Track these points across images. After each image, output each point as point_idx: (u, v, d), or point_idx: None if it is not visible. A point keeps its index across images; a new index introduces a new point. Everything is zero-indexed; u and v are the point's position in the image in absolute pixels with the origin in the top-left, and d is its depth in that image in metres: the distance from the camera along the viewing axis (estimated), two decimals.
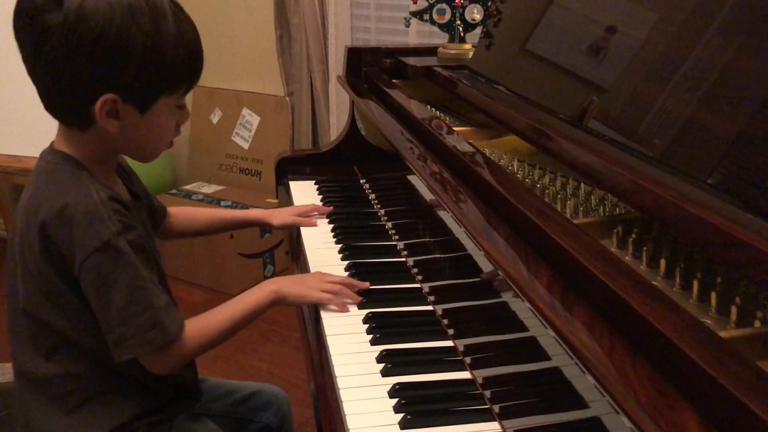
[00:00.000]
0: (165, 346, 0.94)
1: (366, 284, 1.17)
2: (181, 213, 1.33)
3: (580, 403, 0.70)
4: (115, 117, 0.92)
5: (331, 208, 1.52)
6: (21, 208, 0.96)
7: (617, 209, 0.99)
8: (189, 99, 3.74)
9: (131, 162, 1.12)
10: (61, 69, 0.88)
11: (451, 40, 1.73)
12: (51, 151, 0.98)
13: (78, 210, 0.90)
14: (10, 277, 1.00)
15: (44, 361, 0.98)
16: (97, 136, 0.95)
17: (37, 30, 0.87)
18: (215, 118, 3.22)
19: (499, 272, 0.84)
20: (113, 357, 0.93)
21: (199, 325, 1.00)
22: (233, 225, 1.44)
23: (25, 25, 0.89)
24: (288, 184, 1.73)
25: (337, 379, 0.96)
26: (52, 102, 0.93)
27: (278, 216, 1.45)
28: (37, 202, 0.93)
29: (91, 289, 0.91)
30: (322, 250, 1.36)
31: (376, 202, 1.57)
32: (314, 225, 1.45)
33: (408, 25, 1.83)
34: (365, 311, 1.12)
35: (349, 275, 1.24)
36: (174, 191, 3.10)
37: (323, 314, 1.12)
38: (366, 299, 1.15)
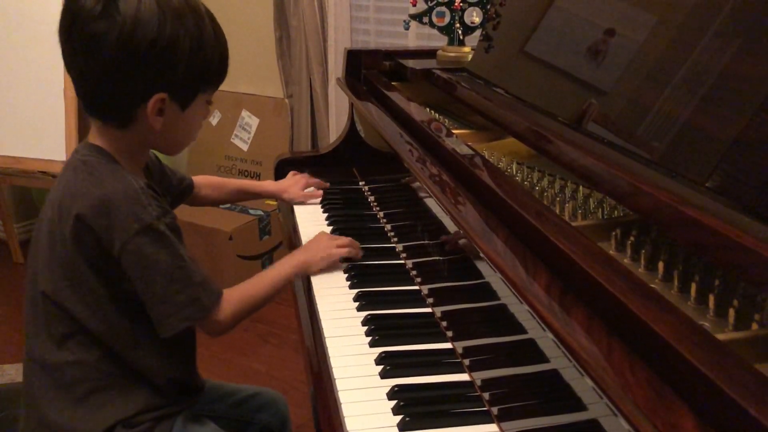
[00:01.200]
0: (206, 318, 1.02)
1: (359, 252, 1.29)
2: (207, 182, 1.44)
3: (579, 406, 0.70)
4: (161, 114, 0.97)
5: (327, 184, 1.63)
6: (54, 197, 1.00)
7: (616, 212, 0.99)
8: None
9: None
10: (115, 72, 0.93)
11: (451, 42, 1.73)
12: (86, 146, 1.02)
13: (118, 197, 0.94)
14: (31, 263, 1.04)
15: (56, 348, 1.00)
16: (135, 132, 0.99)
17: (90, 36, 0.91)
18: (214, 120, 3.23)
19: (498, 274, 0.85)
20: (159, 333, 0.99)
21: (239, 293, 1.10)
22: (253, 195, 1.58)
23: (75, 31, 0.93)
24: None
25: (336, 381, 0.96)
26: (97, 102, 0.98)
27: (288, 192, 1.59)
28: (75, 192, 0.97)
29: (134, 271, 0.96)
30: None
31: (375, 204, 1.57)
32: (319, 197, 1.59)
33: (407, 28, 1.83)
34: (364, 313, 1.12)
35: (348, 277, 1.24)
36: None
37: (321, 315, 1.12)
38: (365, 301, 1.15)
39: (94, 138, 1.02)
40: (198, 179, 1.41)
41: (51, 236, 0.99)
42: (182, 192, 1.34)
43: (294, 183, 1.61)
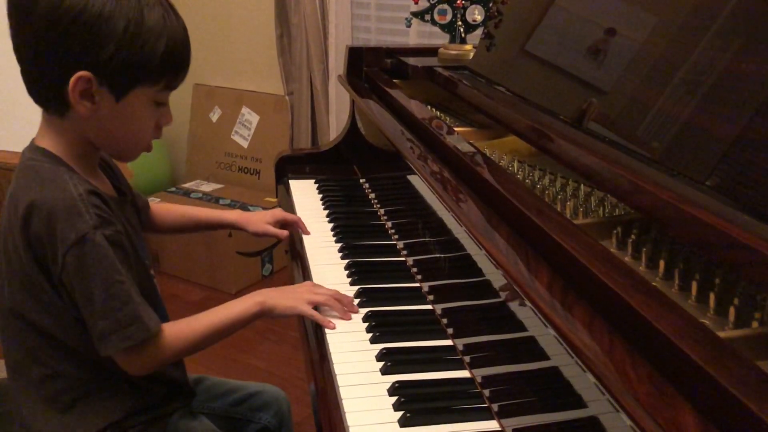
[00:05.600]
0: (145, 343, 0.94)
1: (356, 309, 1.12)
2: (156, 208, 1.30)
3: (580, 402, 0.70)
4: (90, 100, 0.92)
5: (309, 233, 1.42)
6: (4, 206, 0.97)
7: (617, 210, 0.99)
8: (188, 97, 3.70)
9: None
10: (40, 43, 0.90)
11: (452, 40, 1.73)
12: (31, 148, 0.98)
13: (56, 205, 0.90)
14: None
15: (32, 362, 0.98)
16: (75, 123, 0.95)
17: (23, 7, 0.89)
18: (215, 117, 3.23)
19: (500, 272, 0.85)
20: (99, 351, 0.94)
21: (178, 329, 1.00)
22: (207, 225, 1.38)
23: (13, 3, 0.91)
24: (288, 183, 1.73)
25: (337, 377, 0.97)
26: (31, 81, 0.94)
27: (254, 223, 1.38)
28: (18, 199, 0.93)
29: (73, 283, 0.91)
30: (322, 249, 1.36)
31: (375, 201, 1.57)
32: (285, 237, 1.39)
33: (409, 26, 1.83)
34: (365, 310, 1.12)
35: (349, 274, 1.24)
36: (173, 189, 3.10)
37: (322, 312, 1.12)
38: (366, 298, 1.16)
39: (41, 138, 0.98)
40: (152, 205, 1.29)
41: (6, 249, 0.96)
42: (138, 209, 1.18)
43: (262, 215, 1.40)
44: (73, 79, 0.90)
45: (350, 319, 1.10)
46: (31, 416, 1.00)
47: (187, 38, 0.98)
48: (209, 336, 1.02)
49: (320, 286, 1.14)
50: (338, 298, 1.11)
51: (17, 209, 0.92)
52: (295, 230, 1.42)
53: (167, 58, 0.94)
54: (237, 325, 1.05)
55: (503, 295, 0.89)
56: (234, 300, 1.07)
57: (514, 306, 0.85)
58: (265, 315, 1.07)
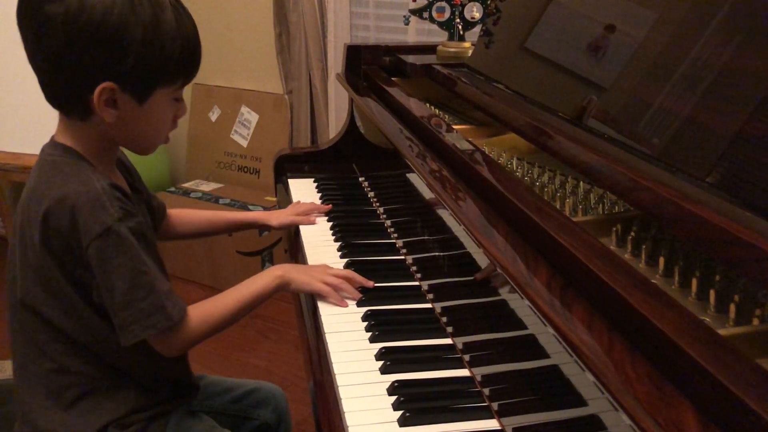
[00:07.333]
0: (169, 330, 0.96)
1: (370, 283, 1.18)
2: (180, 214, 1.33)
3: (579, 401, 0.70)
4: (113, 106, 0.94)
5: (330, 206, 1.51)
6: (22, 201, 0.98)
7: (616, 207, 0.99)
8: (188, 96, 3.71)
9: (133, 159, 1.12)
10: (61, 57, 0.90)
11: (451, 38, 1.73)
12: (51, 145, 1.00)
13: (80, 198, 0.91)
14: (9, 271, 1.01)
15: (40, 356, 0.99)
16: (97, 126, 0.96)
17: (39, 20, 0.89)
18: (214, 116, 3.22)
19: (499, 270, 0.85)
20: (120, 341, 0.95)
21: (203, 310, 1.02)
22: (233, 226, 1.46)
23: (27, 15, 0.91)
24: (287, 182, 1.73)
25: (336, 376, 0.96)
26: (52, 91, 0.95)
27: (277, 216, 1.47)
28: (40, 193, 0.94)
29: (96, 275, 0.93)
30: (321, 247, 1.36)
31: (375, 200, 1.57)
32: (313, 223, 1.46)
33: (407, 23, 1.83)
34: (364, 308, 1.12)
35: None
36: (172, 189, 3.10)
37: (321, 311, 1.12)
38: (365, 296, 1.15)
39: (61, 135, 0.99)
40: (172, 211, 1.31)
41: (22, 241, 0.97)
42: (154, 210, 1.21)
43: (282, 210, 1.50)
44: (97, 90, 0.91)
45: (360, 296, 1.15)
46: (34, 411, 1.00)
47: (197, 33, 0.99)
48: (234, 314, 1.06)
49: (332, 269, 1.19)
50: (350, 277, 1.17)
51: (40, 203, 0.93)
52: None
53: (183, 59, 0.96)
54: (259, 301, 1.09)
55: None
56: (254, 276, 1.12)
57: (513, 304, 0.85)
58: (282, 288, 1.13)
